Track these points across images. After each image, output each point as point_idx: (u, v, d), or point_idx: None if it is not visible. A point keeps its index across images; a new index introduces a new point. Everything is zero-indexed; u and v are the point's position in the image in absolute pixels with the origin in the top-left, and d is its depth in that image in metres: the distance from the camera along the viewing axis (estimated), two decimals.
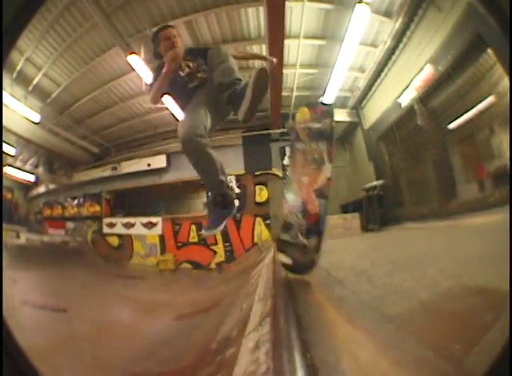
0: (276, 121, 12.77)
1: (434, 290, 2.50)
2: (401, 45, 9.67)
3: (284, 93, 11.51)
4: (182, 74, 3.87)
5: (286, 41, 9.02)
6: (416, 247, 3.97)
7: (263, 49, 9.44)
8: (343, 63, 9.86)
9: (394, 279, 3.06)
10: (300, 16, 8.73)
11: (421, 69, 8.82)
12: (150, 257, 13.43)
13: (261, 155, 13.96)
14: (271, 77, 8.07)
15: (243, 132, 13.86)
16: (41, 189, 16.01)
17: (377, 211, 10.21)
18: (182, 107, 3.92)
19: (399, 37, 9.47)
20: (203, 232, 4.11)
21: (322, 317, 2.33)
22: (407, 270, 3.20)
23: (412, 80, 9.27)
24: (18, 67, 9.54)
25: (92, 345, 4.34)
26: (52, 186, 15.84)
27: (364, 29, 8.73)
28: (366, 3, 7.77)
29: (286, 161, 13.26)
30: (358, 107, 13.09)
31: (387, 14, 9.13)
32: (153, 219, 13.84)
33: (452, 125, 7.93)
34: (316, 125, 3.25)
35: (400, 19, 8.84)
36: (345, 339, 1.98)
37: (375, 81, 11.35)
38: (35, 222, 15.36)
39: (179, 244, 13.40)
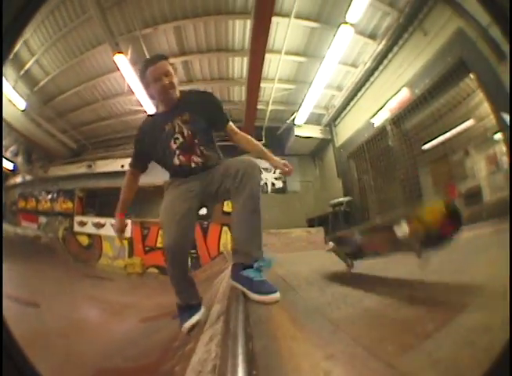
0: (250, 133, 12.59)
1: (382, 300, 2.62)
2: (381, 67, 9.79)
3: (260, 106, 11.56)
4: (172, 144, 3.10)
5: (268, 55, 9.09)
6: (372, 264, 3.93)
7: (244, 62, 9.61)
8: (321, 81, 10.01)
9: (345, 289, 3.24)
10: (284, 32, 8.82)
11: (398, 91, 8.95)
12: (118, 259, 13.27)
13: None
14: (248, 91, 8.43)
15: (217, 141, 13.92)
16: (18, 179, 15.70)
17: (342, 227, 9.85)
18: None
19: (380, 59, 9.57)
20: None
21: (268, 316, 2.55)
22: (360, 284, 3.27)
23: (387, 101, 9.38)
24: (15, 49, 9.25)
25: (64, 340, 4.45)
26: (28, 178, 15.54)
27: (346, 49, 8.91)
28: (351, 24, 7.91)
29: None
30: (331, 125, 13.16)
31: (372, 36, 9.34)
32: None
33: (425, 147, 8.08)
34: None
35: (384, 42, 8.93)
36: (285, 334, 2.17)
37: (351, 100, 11.44)
38: (10, 212, 14.99)
39: (147, 248, 13.26)
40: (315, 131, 13.08)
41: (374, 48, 9.35)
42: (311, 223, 12.23)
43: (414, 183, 8.49)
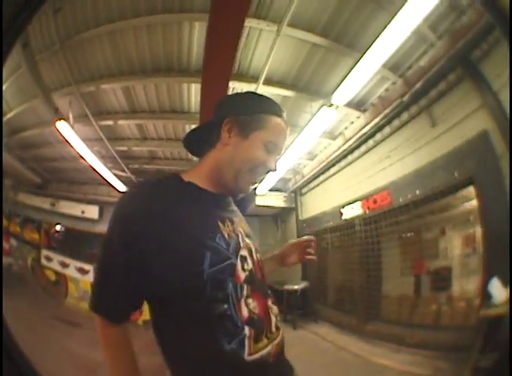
0: None
1: None
2: (363, 148, 8.00)
3: None
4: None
5: None
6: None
7: None
8: (290, 151, 7.87)
9: None
10: None
11: (376, 191, 7.35)
12: (83, 301, 12.49)
13: None
14: None
15: None
16: None
17: (298, 306, 9.70)
18: None
19: (365, 139, 7.77)
20: None
21: None
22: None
23: (362, 196, 7.90)
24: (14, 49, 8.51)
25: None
26: None
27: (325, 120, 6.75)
28: (336, 107, 6.18)
29: None
30: (297, 192, 11.78)
31: (359, 105, 7.36)
32: (86, 266, 13.04)
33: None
34: None
35: (375, 119, 7.01)
36: None
37: (322, 173, 9.85)
38: None
39: None
40: (278, 200, 11.97)
41: (360, 122, 7.52)
42: (271, 290, 11.68)
43: (378, 277, 7.70)
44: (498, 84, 4.58)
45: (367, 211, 7.77)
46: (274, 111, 1.49)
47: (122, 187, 11.62)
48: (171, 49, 6.35)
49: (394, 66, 6.12)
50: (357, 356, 5.85)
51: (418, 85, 5.84)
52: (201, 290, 1.21)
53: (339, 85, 5.69)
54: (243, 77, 6.72)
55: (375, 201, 7.49)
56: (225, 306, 1.23)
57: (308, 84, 6.91)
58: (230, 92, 6.51)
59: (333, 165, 9.28)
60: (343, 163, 8.94)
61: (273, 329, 1.41)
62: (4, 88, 8.30)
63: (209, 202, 1.40)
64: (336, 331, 7.94)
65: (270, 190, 11.30)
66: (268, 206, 11.82)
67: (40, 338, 7.89)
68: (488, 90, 4.76)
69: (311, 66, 6.46)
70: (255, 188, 10.36)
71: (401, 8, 4.07)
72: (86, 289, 12.74)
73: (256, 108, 1.46)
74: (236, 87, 6.80)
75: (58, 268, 13.29)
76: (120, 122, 8.86)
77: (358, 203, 8.10)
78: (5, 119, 9.59)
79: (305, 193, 11.59)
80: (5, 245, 13.71)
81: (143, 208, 1.23)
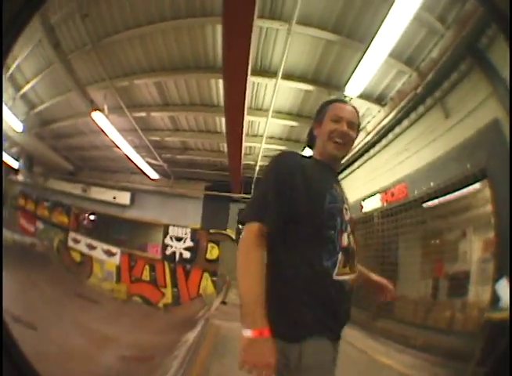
0: (237, 186, 12.32)
1: None
2: (384, 141, 8.10)
3: (249, 161, 10.94)
4: (345, 216, 1.92)
5: (256, 117, 8.62)
6: None
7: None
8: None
9: None
10: (272, 92, 7.45)
11: (394, 184, 7.45)
12: (106, 282, 13.51)
13: (219, 214, 13.84)
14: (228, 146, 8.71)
15: (206, 188, 13.68)
16: (20, 177, 15.18)
17: None
18: None
19: (385, 132, 7.88)
20: None
21: None
22: None
23: (382, 189, 7.98)
24: (10, 71, 8.86)
25: (58, 365, 5.06)
26: (28, 180, 15.17)
27: None
28: (350, 98, 6.46)
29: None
30: None
31: (379, 100, 7.56)
32: (113, 249, 13.79)
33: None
34: None
35: (393, 111, 7.15)
36: None
37: (345, 168, 9.86)
38: (10, 206, 14.93)
39: (133, 278, 13.53)
40: None
41: (380, 116, 7.64)
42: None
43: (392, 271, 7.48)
44: (507, 70, 4.51)
45: (385, 204, 7.85)
46: (332, 101, 2.19)
47: (155, 175, 12.18)
48: (197, 49, 6.79)
49: (409, 59, 6.25)
50: (361, 352, 5.85)
51: (430, 77, 5.92)
52: (320, 216, 1.82)
53: (350, 77, 5.96)
54: (264, 72, 7.04)
55: (392, 194, 7.55)
56: (332, 232, 1.82)
57: (328, 78, 7.15)
58: (252, 87, 7.11)
59: (357, 159, 9.38)
60: (365, 157, 9.04)
61: (355, 264, 1.96)
62: (34, 82, 9.11)
63: (324, 167, 2.06)
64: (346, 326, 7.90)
65: None
66: None
67: (53, 310, 8.61)
68: (497, 77, 4.73)
69: (328, 62, 6.71)
70: None
71: None
72: (111, 270, 13.61)
73: (322, 106, 2.17)
74: (259, 82, 7.31)
75: (85, 249, 13.97)
76: (153, 114, 9.26)
77: (378, 196, 8.17)
78: (36, 110, 10.54)
79: None
80: (30, 227, 14.70)
81: (292, 162, 1.93)
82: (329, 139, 2.03)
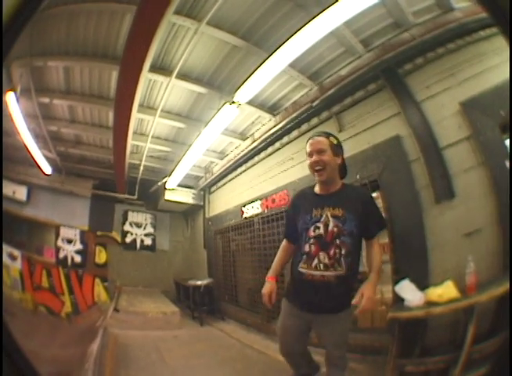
0: (121, 185, 12.09)
1: None
2: (270, 149, 8.34)
3: (134, 160, 10.71)
4: (311, 231, 3.13)
5: (146, 115, 8.34)
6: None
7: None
8: (202, 147, 8.51)
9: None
10: (164, 91, 7.48)
11: (277, 190, 7.73)
12: (15, 290, 11.83)
13: (105, 215, 13.30)
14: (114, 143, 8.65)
15: (94, 187, 12.88)
16: None
17: (203, 302, 9.94)
18: None
19: (272, 141, 8.13)
20: None
21: None
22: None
23: (263, 195, 8.21)
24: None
25: None
26: None
27: (236, 118, 7.40)
28: (239, 104, 6.44)
29: (126, 227, 13.17)
30: (206, 190, 12.16)
31: (272, 109, 7.79)
32: (14, 252, 12.08)
33: None
34: None
35: (283, 121, 7.41)
36: None
37: (230, 172, 10.08)
38: None
39: (35, 285, 12.09)
40: (186, 196, 12.26)
41: (270, 125, 7.88)
42: (178, 286, 12.06)
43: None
44: (423, 95, 4.92)
45: (266, 210, 8.09)
46: (308, 139, 3.31)
47: (48, 169, 11.21)
48: (110, 37, 6.57)
49: (314, 74, 6.51)
50: (261, 353, 5.87)
51: (331, 91, 6.21)
52: (300, 234, 3.24)
53: (242, 84, 6.06)
54: (162, 70, 6.98)
55: (273, 201, 7.83)
56: (302, 243, 3.18)
57: (222, 82, 7.24)
58: (147, 84, 7.19)
59: (241, 165, 9.55)
60: (249, 163, 9.23)
61: (318, 266, 3.08)
62: None
63: (313, 196, 3.29)
64: (242, 329, 8.07)
65: (181, 186, 11.58)
66: (176, 201, 12.06)
67: None
68: (408, 100, 5.09)
69: (227, 66, 6.81)
70: (164, 182, 10.99)
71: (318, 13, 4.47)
72: (16, 277, 11.92)
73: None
74: (155, 79, 7.17)
75: None
76: (55, 101, 8.80)
77: (259, 202, 8.40)
78: None
79: (214, 191, 11.85)
80: None
81: (299, 194, 3.53)
82: (312, 171, 3.17)
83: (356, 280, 3.11)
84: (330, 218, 2.98)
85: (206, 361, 4.33)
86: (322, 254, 2.99)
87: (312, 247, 3.05)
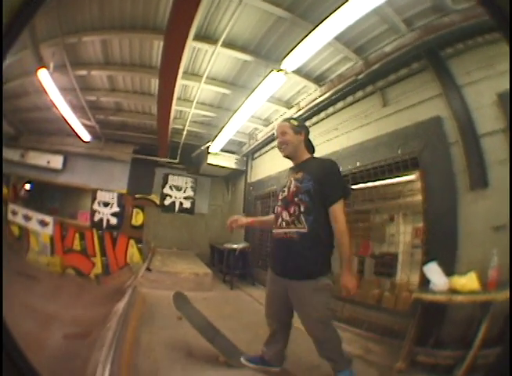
0: (163, 150, 12.38)
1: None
2: (315, 119, 8.40)
3: (177, 125, 10.90)
4: (279, 195, 3.62)
5: (191, 81, 8.61)
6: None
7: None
8: (246, 113, 8.70)
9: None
10: (209, 58, 7.61)
11: None
12: (43, 255, 12.96)
13: (145, 178, 13.87)
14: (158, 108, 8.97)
15: (134, 152, 13.52)
16: None
17: (236, 266, 10.18)
18: None
19: (317, 111, 8.21)
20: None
21: None
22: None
23: None
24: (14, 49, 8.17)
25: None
26: None
27: (281, 88, 7.59)
28: (286, 72, 6.54)
29: (166, 190, 13.77)
30: (249, 156, 12.34)
31: (318, 80, 7.84)
32: (46, 218, 13.23)
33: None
34: None
35: (329, 92, 7.46)
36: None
37: (274, 140, 9.63)
38: None
39: (65, 248, 13.11)
40: (229, 161, 12.45)
41: (315, 95, 7.91)
42: (213, 250, 12.52)
43: None
44: (464, 80, 4.89)
45: None
46: None
47: (87, 137, 11.71)
48: (149, 9, 6.73)
49: (359, 48, 6.50)
50: None
51: (375, 67, 6.21)
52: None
53: (289, 53, 6.10)
54: (206, 38, 7.11)
55: None
56: (275, 207, 3.67)
57: (268, 51, 7.32)
58: (191, 52, 7.31)
59: None
60: None
61: (281, 224, 3.43)
62: None
63: (288, 171, 3.73)
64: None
65: (224, 151, 11.78)
66: (219, 166, 12.26)
67: (6, 295, 8.45)
68: (451, 83, 5.07)
69: (273, 36, 6.87)
70: (208, 147, 11.19)
71: None
72: (46, 242, 13.00)
73: None
74: (199, 47, 7.35)
75: (22, 221, 13.24)
76: (93, 73, 9.04)
77: None
78: None
79: (257, 157, 12.07)
80: None
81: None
82: (279, 149, 3.70)
83: (322, 244, 3.22)
84: (293, 181, 3.40)
85: (230, 324, 4.41)
86: (284, 213, 3.36)
87: (278, 209, 3.48)
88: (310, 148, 3.69)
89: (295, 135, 3.53)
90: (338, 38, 5.84)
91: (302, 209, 3.23)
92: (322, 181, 3.23)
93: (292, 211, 3.29)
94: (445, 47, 5.14)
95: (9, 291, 8.58)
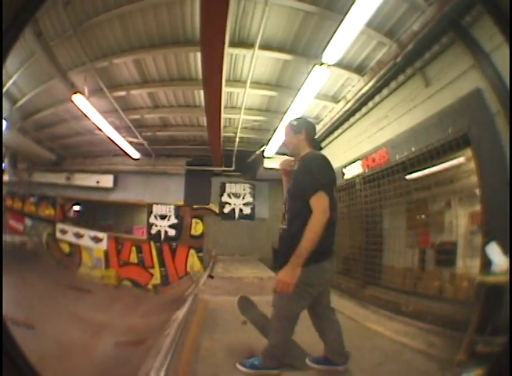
0: (217, 159, 12.55)
1: None
2: (364, 109, 8.28)
3: (229, 133, 11.09)
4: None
5: (234, 88, 8.82)
6: None
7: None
8: (297, 112, 8.47)
9: None
10: (250, 63, 7.70)
11: (375, 149, 7.61)
12: (96, 269, 13.79)
13: (201, 189, 14.29)
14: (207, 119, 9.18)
15: (187, 164, 13.90)
16: (5, 177, 15.26)
17: None
18: None
19: (365, 100, 8.06)
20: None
21: None
22: None
23: (362, 155, 8.20)
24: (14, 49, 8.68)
25: (58, 363, 5.24)
26: (14, 179, 15.28)
27: (325, 84, 7.54)
28: (328, 65, 6.53)
29: (224, 198, 14.06)
30: None
31: (359, 70, 7.78)
32: (100, 235, 14.02)
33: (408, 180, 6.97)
34: None
35: (372, 80, 7.35)
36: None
37: (327, 136, 10.21)
38: None
39: (121, 262, 13.82)
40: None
41: (360, 85, 7.80)
42: (275, 253, 12.41)
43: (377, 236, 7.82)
44: (490, 46, 4.72)
45: (366, 170, 8.06)
46: None
47: (136, 154, 12.21)
48: (176, 24, 6.93)
49: (389, 31, 6.45)
50: (351, 320, 5.97)
51: (410, 47, 6.08)
52: None
53: (327, 45, 6.09)
54: (241, 44, 7.25)
55: (373, 160, 7.73)
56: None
57: (305, 48, 7.35)
58: (230, 59, 7.39)
59: (337, 128, 9.61)
60: (345, 125, 9.25)
61: (286, 220, 3.52)
62: (16, 76, 9.08)
63: None
64: (335, 294, 7.79)
65: (279, 154, 11.63)
66: (276, 169, 11.89)
67: (48, 306, 8.92)
68: (480, 51, 4.91)
69: (306, 32, 6.90)
70: (262, 151, 11.26)
71: None
72: (99, 257, 13.83)
73: None
74: (237, 53, 7.49)
75: (72, 239, 14.15)
76: (133, 92, 9.34)
77: (359, 162, 8.37)
78: (19, 104, 10.53)
79: None
80: (19, 226, 14.88)
81: None
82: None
83: (297, 240, 3.09)
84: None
85: (297, 327, 4.52)
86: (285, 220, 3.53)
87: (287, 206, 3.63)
88: (315, 144, 3.77)
89: (295, 135, 3.66)
90: (368, 24, 5.78)
91: (287, 208, 3.53)
92: (297, 179, 3.40)
93: (284, 210, 3.64)
94: (464, 15, 5.08)
95: (58, 305, 9.36)
